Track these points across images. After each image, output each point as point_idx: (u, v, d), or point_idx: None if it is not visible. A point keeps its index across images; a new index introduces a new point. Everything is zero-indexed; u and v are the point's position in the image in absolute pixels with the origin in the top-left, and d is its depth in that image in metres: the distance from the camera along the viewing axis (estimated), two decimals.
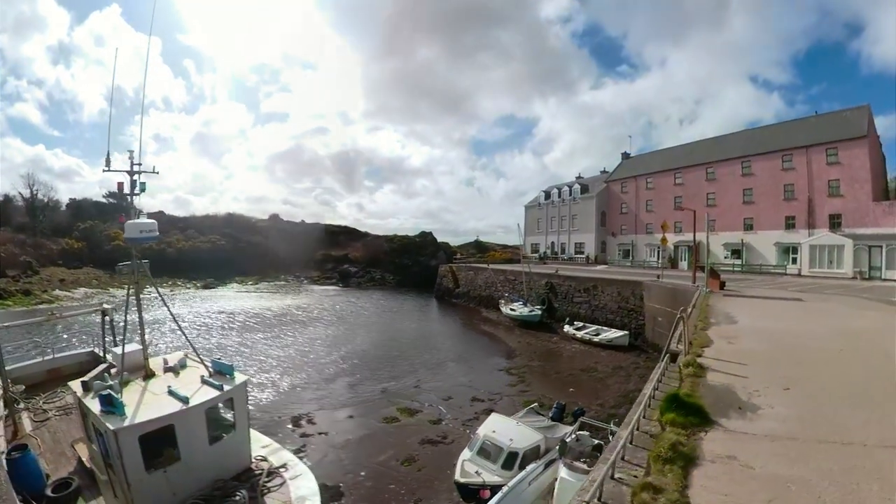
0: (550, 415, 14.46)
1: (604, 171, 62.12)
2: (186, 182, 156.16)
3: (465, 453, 12.11)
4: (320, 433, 15.30)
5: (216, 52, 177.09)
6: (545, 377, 23.00)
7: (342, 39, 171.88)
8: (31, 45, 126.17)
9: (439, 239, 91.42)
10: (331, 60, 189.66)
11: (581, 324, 31.73)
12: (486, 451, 11.68)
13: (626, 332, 28.40)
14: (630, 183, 54.19)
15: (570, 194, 60.34)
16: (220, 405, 8.23)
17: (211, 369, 8.72)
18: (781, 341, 9.81)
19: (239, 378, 8.54)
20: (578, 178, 65.46)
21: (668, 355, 8.07)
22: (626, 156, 60.55)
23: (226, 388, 8.07)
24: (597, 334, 29.20)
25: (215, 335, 31.50)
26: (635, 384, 19.10)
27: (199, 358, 9.13)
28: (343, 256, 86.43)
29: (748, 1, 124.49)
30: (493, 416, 13.49)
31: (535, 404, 16.24)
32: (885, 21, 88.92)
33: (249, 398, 18.58)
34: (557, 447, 10.83)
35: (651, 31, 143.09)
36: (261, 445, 9.36)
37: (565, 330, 31.54)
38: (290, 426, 15.78)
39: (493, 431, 12.11)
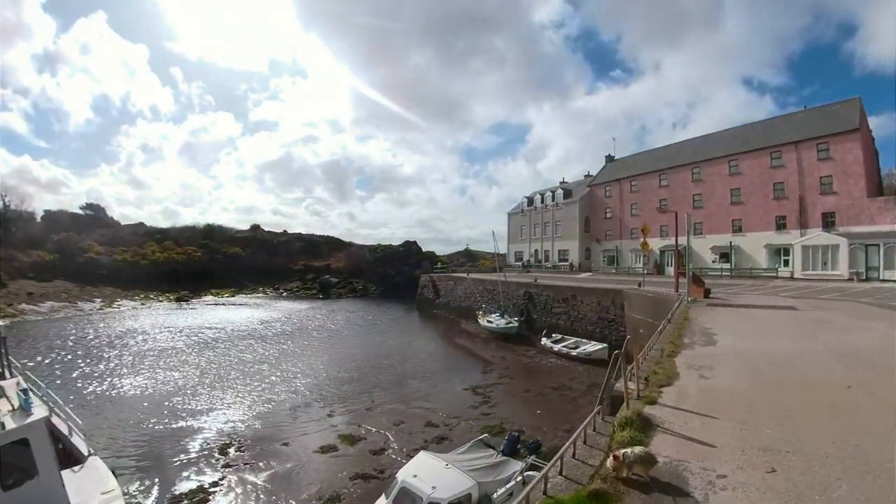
0: (501, 448, 12.17)
1: (588, 176, 59.93)
2: (175, 192, 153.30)
3: (381, 501, 9.77)
4: (246, 463, 13.45)
5: (203, 59, 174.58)
6: (513, 397, 20.79)
7: (331, 46, 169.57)
8: (15, 53, 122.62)
9: (432, 248, 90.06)
10: (320, 68, 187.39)
11: (559, 336, 29.50)
12: (403, 500, 9.38)
13: (605, 344, 26.10)
14: (614, 186, 52.03)
15: (553, 200, 58.03)
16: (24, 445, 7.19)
17: (15, 404, 7.65)
18: (770, 373, 7.32)
19: (37, 414, 7.51)
20: (562, 182, 63.17)
21: (603, 404, 5.60)
22: (610, 158, 58.41)
23: (11, 426, 7.04)
24: (575, 347, 27.01)
25: (168, 353, 29.01)
26: None
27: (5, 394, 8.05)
28: (325, 267, 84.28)
29: (743, 2, 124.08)
30: (421, 455, 11.09)
31: (486, 435, 14.03)
32: (878, 21, 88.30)
33: (185, 424, 16.55)
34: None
35: (645, 34, 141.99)
36: (101, 491, 8.21)
37: (542, 343, 29.22)
38: (216, 455, 13.99)
39: (414, 476, 9.78)
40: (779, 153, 36.69)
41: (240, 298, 67.40)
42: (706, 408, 5.71)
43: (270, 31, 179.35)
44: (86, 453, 9.31)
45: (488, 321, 35.69)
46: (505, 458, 11.53)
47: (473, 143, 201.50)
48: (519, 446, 12.59)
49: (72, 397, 19.22)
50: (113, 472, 9.21)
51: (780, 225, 36.55)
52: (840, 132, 32.63)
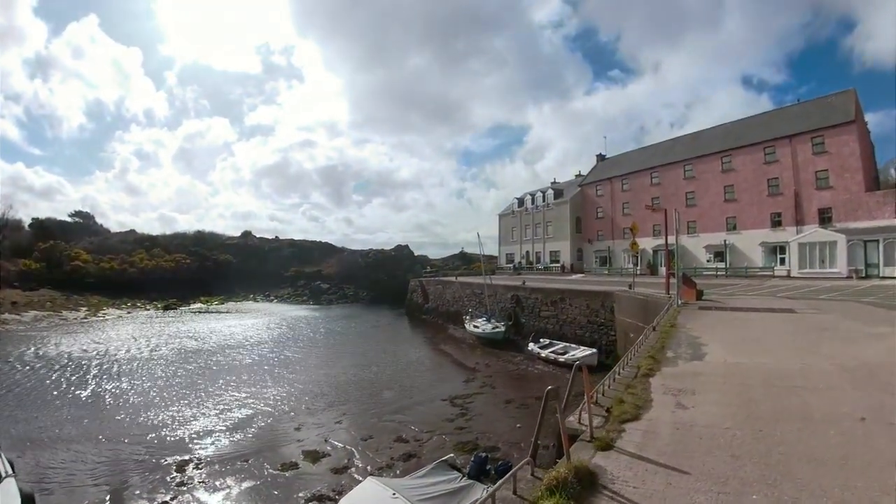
0: (467, 470, 10.83)
1: (579, 175, 58.68)
2: (171, 199, 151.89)
3: None
4: (201, 482, 12.50)
5: (198, 62, 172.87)
6: (494, 408, 19.35)
7: (328, 47, 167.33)
8: (7, 58, 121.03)
9: (430, 252, 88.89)
10: (316, 70, 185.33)
11: (547, 341, 28.11)
12: None
13: (594, 350, 24.76)
14: (605, 185, 50.81)
15: (544, 200, 56.74)
16: None
17: None
18: (765, 400, 5.93)
19: None
20: (553, 183, 61.89)
21: (534, 456, 4.23)
22: (601, 157, 57.23)
23: None
24: (563, 353, 25.62)
25: (138, 364, 27.58)
26: None
27: None
28: (316, 273, 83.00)
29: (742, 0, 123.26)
30: (367, 482, 9.74)
31: (451, 455, 12.65)
32: (876, 17, 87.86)
33: (145, 438, 15.26)
34: None
35: (644, 34, 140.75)
36: None
37: (529, 348, 27.86)
38: (173, 472, 13.04)
39: None
40: (772, 148, 35.55)
41: (230, 306, 65.98)
42: (678, 456, 4.34)
43: (266, 33, 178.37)
44: (2, 473, 8.40)
45: (475, 326, 34.38)
46: (470, 481, 10.18)
47: (471, 146, 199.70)
48: (488, 467, 11.28)
49: (22, 411, 18.05)
50: (30, 497, 8.37)
51: (776, 222, 35.41)
52: (835, 125, 31.50)
